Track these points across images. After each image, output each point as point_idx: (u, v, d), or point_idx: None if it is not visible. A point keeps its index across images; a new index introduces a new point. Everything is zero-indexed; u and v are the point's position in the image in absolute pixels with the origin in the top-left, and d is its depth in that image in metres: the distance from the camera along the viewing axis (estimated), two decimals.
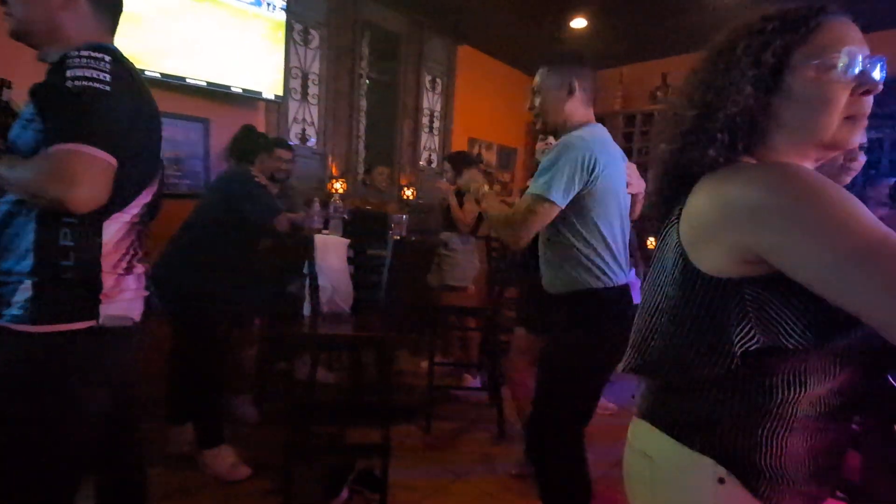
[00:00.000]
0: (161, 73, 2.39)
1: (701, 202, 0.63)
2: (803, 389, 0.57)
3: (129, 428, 1.21)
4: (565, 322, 1.42)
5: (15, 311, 0.89)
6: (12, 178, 0.89)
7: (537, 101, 1.47)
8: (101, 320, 0.94)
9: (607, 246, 1.37)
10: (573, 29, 4.06)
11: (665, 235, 0.69)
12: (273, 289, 2.36)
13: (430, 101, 4.25)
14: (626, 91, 4.88)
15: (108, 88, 0.88)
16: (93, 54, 0.89)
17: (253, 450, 2.03)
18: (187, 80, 2.54)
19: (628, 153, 5.33)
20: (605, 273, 1.37)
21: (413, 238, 3.07)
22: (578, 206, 1.32)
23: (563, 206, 1.29)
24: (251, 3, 2.80)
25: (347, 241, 2.09)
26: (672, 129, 0.69)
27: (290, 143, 2.86)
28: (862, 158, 1.03)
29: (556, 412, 1.42)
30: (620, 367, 0.76)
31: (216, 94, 2.74)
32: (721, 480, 0.60)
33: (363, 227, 2.60)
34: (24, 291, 0.89)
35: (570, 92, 1.42)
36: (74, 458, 0.98)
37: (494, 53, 4.75)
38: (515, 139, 5.36)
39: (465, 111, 4.57)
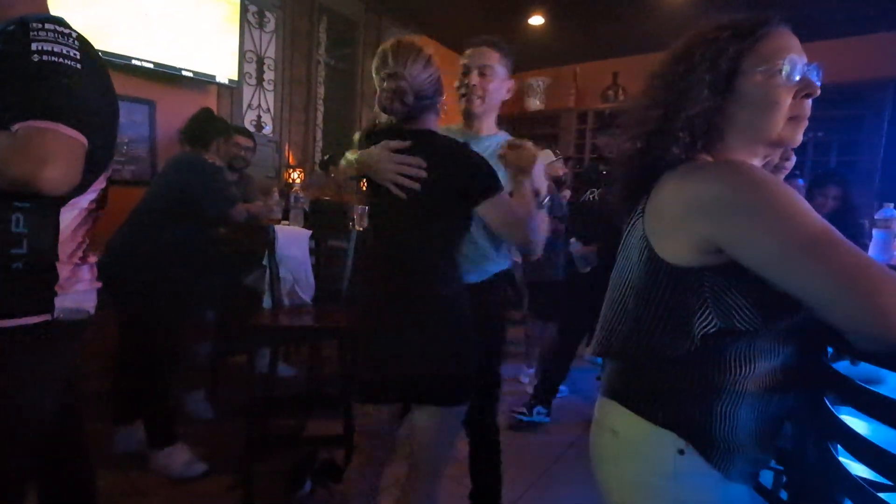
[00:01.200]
0: (104, 52, 2.23)
1: (664, 197, 0.68)
2: (753, 366, 0.64)
3: (74, 426, 1.15)
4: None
5: None
6: None
7: (483, 82, 1.36)
8: (55, 313, 0.89)
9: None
10: (531, 25, 4.14)
11: (631, 228, 0.75)
12: (228, 280, 2.28)
13: None
14: (579, 89, 5.04)
15: (78, 66, 0.84)
16: (58, 28, 0.84)
17: (209, 447, 1.97)
18: (133, 61, 2.39)
19: (580, 149, 5.46)
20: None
21: None
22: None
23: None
24: None
25: (310, 231, 2.05)
26: (637, 128, 0.74)
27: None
28: (793, 158, 1.14)
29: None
30: (589, 350, 0.81)
31: (164, 76, 2.59)
32: (681, 452, 0.66)
33: (323, 218, 2.56)
34: None
35: (508, 90, 1.42)
36: (21, 460, 0.93)
37: (453, 45, 4.76)
38: None
39: None
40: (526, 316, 3.10)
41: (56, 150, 0.79)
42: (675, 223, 0.66)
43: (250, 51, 3.11)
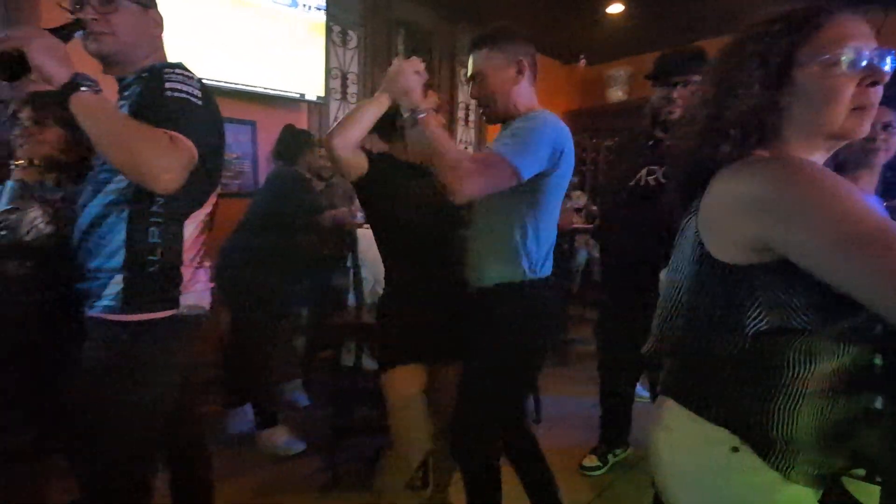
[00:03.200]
0: (214, 80, 2.56)
1: (715, 195, 0.68)
2: (812, 366, 0.62)
3: (191, 407, 1.36)
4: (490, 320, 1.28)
5: (107, 302, 1.02)
6: (115, 121, 0.89)
7: (478, 89, 1.31)
8: (180, 309, 1.07)
9: (542, 237, 1.26)
10: (610, 14, 3.99)
11: (685, 227, 0.75)
12: (318, 281, 2.49)
13: (465, 95, 4.29)
14: None
15: (199, 102, 1.00)
16: (184, 73, 1.01)
17: (303, 432, 2.18)
18: (234, 85, 2.71)
19: None
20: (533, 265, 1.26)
21: None
22: (530, 189, 1.18)
23: (523, 182, 1.14)
24: (289, 5, 2.93)
25: None
26: (688, 128, 0.74)
27: None
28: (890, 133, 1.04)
29: (483, 413, 1.31)
30: (643, 349, 0.82)
31: (262, 98, 2.89)
32: (735, 449, 0.65)
33: None
34: (115, 285, 1.02)
35: (519, 72, 1.27)
36: (152, 434, 1.11)
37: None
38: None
39: None
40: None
41: (182, 155, 0.91)
42: (726, 221, 0.65)
43: (335, 68, 3.36)
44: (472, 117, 4.36)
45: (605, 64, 5.03)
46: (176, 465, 1.34)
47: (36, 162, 1.24)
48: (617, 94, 5.03)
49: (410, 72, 1.23)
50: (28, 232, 1.18)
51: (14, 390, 1.27)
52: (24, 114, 1.25)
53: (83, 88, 0.86)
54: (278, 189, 2.15)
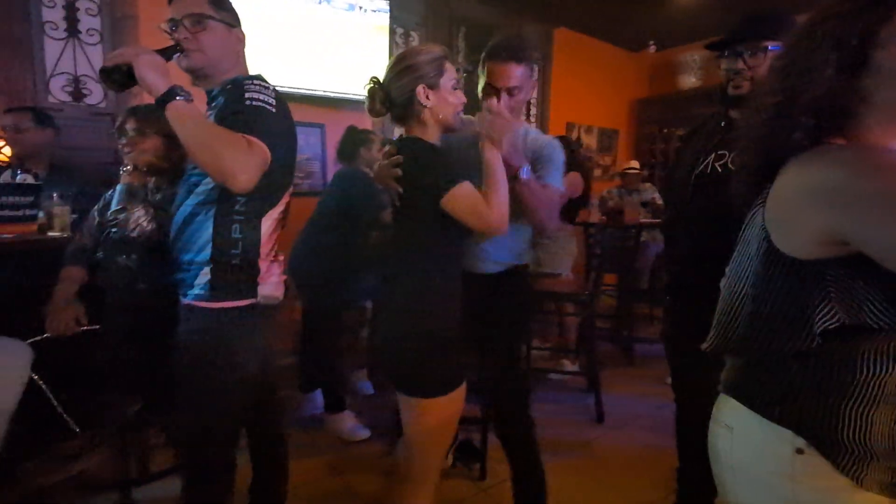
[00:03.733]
0: (287, 86, 2.75)
1: (783, 186, 0.65)
2: (887, 368, 0.58)
3: (271, 389, 1.48)
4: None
5: (198, 290, 1.15)
6: (201, 125, 0.99)
7: (512, 101, 1.37)
8: (258, 298, 1.18)
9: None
10: (678, 1, 3.78)
11: (751, 219, 0.72)
12: (382, 275, 2.60)
13: None
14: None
15: (273, 110, 1.10)
16: (262, 83, 1.12)
17: (368, 418, 2.30)
18: (305, 91, 2.88)
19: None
20: None
21: None
22: None
23: None
24: (348, 10, 3.05)
25: None
26: (756, 117, 0.71)
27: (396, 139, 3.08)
28: None
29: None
30: (704, 345, 0.80)
31: (330, 102, 3.05)
32: (800, 451, 0.63)
33: None
34: (204, 276, 1.14)
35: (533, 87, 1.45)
36: (237, 411, 1.23)
37: (593, 32, 4.59)
38: (616, 120, 5.13)
39: (562, 95, 4.49)
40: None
41: (258, 157, 1.02)
42: (795, 213, 0.62)
43: None
44: (532, 111, 4.30)
45: (676, 48, 4.76)
46: (256, 439, 1.48)
47: (140, 167, 1.42)
48: (689, 80, 4.75)
49: (496, 119, 1.22)
50: (134, 229, 1.35)
51: (122, 368, 1.47)
52: (129, 125, 1.42)
53: (178, 98, 0.98)
54: (344, 188, 2.28)
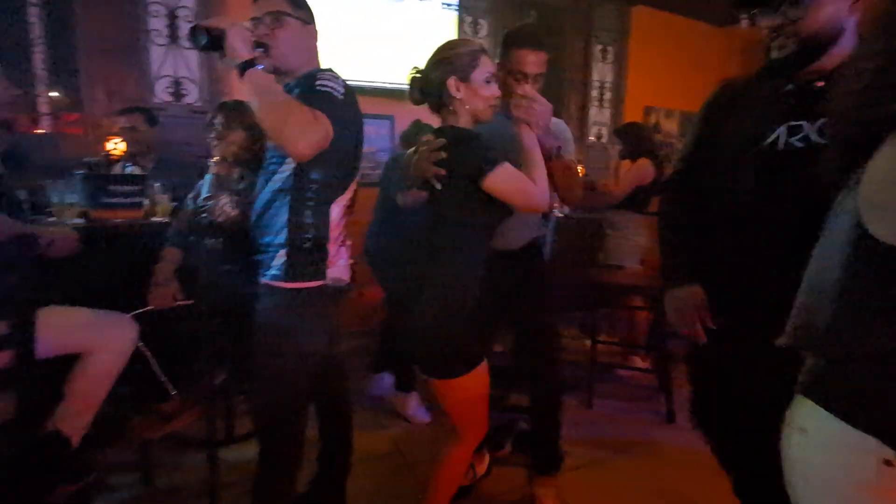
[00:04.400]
0: (358, 80, 2.86)
1: (881, 165, 0.58)
2: None
3: (338, 365, 1.57)
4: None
5: (274, 271, 1.24)
6: (274, 92, 1.10)
7: (536, 89, 1.41)
8: (327, 280, 1.26)
9: None
10: None
11: (841, 202, 0.65)
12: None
13: (601, 72, 4.07)
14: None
15: (340, 97, 1.18)
16: (333, 74, 1.21)
17: (433, 401, 2.36)
18: (374, 84, 2.98)
19: None
20: None
21: (576, 216, 3.06)
22: None
23: None
24: (422, 1, 3.09)
25: None
26: (850, 83, 0.63)
27: None
28: None
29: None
30: (780, 340, 0.73)
31: (399, 94, 3.12)
32: (888, 462, 0.57)
33: None
34: (280, 258, 1.24)
35: None
36: (306, 383, 1.32)
37: (675, 8, 4.28)
38: (701, 102, 4.76)
39: (640, 78, 4.25)
40: None
41: (322, 127, 1.10)
42: (891, 193, 0.56)
43: None
44: (606, 96, 4.12)
45: None
46: (323, 412, 1.58)
47: (226, 158, 1.55)
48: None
49: (534, 104, 1.28)
50: (220, 215, 1.49)
51: (211, 340, 1.62)
52: (218, 120, 1.56)
53: (257, 66, 1.10)
54: (390, 172, 2.35)
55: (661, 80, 4.44)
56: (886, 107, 0.58)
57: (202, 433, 1.63)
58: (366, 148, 3.27)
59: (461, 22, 3.31)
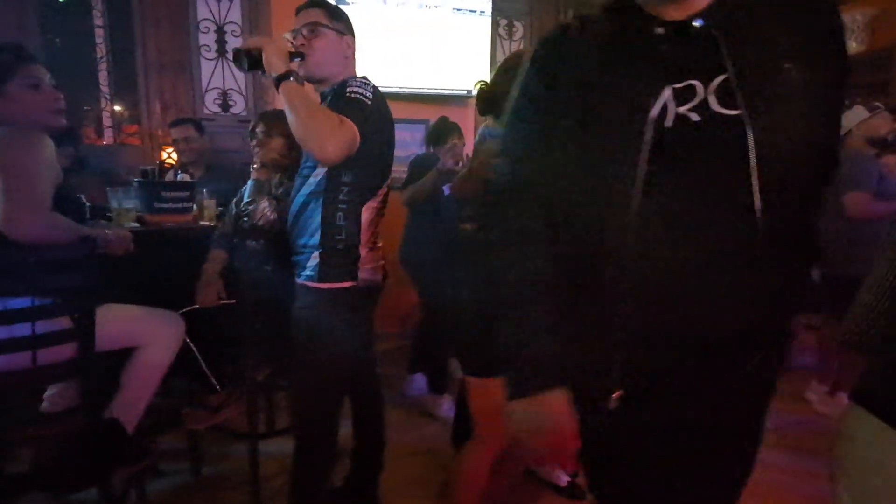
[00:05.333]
0: (391, 87, 2.93)
1: None
2: None
3: (371, 363, 1.61)
4: None
5: (309, 272, 1.30)
6: (304, 101, 1.16)
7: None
8: (358, 281, 1.30)
9: None
10: None
11: None
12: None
13: None
14: None
15: (369, 102, 1.23)
16: (364, 81, 1.27)
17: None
18: (409, 90, 3.04)
19: None
20: None
21: None
22: None
23: None
24: (457, 10, 3.13)
25: None
26: None
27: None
28: None
29: None
30: (837, 339, 0.70)
31: (434, 98, 3.17)
32: None
33: None
34: (314, 259, 1.29)
35: None
36: (339, 380, 1.37)
37: None
38: None
39: None
40: (826, 320, 2.45)
41: (347, 133, 1.17)
42: None
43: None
44: None
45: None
46: (357, 409, 1.62)
47: (267, 164, 1.63)
48: (850, 45, 4.02)
49: None
50: (260, 218, 1.57)
51: (253, 337, 1.71)
52: (259, 128, 1.65)
53: (291, 79, 1.18)
54: (421, 166, 2.37)
55: None
56: None
57: (245, 426, 1.72)
58: (402, 152, 3.31)
59: (495, 24, 3.31)
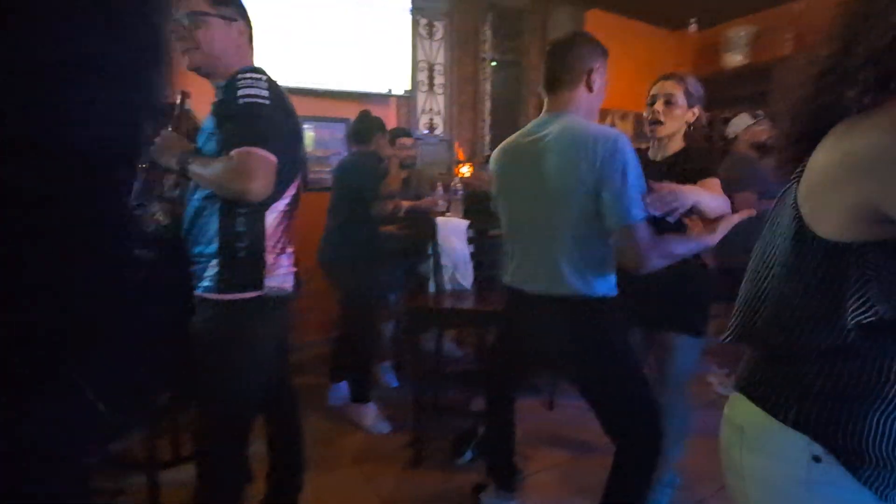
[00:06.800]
0: (304, 86, 2.79)
1: (821, 154, 0.57)
2: None
3: (285, 377, 1.50)
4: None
5: (207, 283, 1.18)
6: (206, 174, 1.13)
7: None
8: (265, 291, 1.19)
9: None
10: None
11: (783, 196, 0.65)
12: (403, 268, 2.60)
13: None
14: (799, 31, 4.09)
15: (268, 102, 1.11)
16: (254, 75, 1.13)
17: (393, 410, 2.31)
18: (326, 87, 2.91)
19: None
20: None
21: None
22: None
23: None
24: (377, 7, 3.05)
25: (467, 222, 2.21)
26: (804, 72, 0.61)
27: (420, 133, 3.06)
28: None
29: None
30: (723, 336, 0.73)
31: (353, 96, 3.07)
32: (816, 458, 0.56)
33: (480, 209, 2.70)
34: (213, 268, 1.17)
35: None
36: (248, 399, 1.26)
37: (628, 12, 4.38)
38: None
39: None
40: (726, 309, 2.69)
41: (255, 167, 1.07)
42: (830, 186, 0.54)
43: (422, 60, 3.44)
44: None
45: (722, 25, 4.47)
46: (272, 428, 1.51)
47: (156, 165, 1.46)
48: (735, 58, 4.45)
49: None
50: (150, 224, 1.40)
51: (152, 357, 1.53)
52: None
53: (188, 164, 1.15)
54: (351, 173, 2.28)
55: (614, 82, 4.51)
56: (837, 96, 0.56)
57: (143, 455, 1.54)
58: (320, 151, 3.18)
59: (416, 23, 3.28)
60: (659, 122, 1.56)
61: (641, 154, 1.64)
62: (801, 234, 0.58)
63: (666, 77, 1.63)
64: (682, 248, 1.24)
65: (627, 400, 1.33)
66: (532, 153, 1.29)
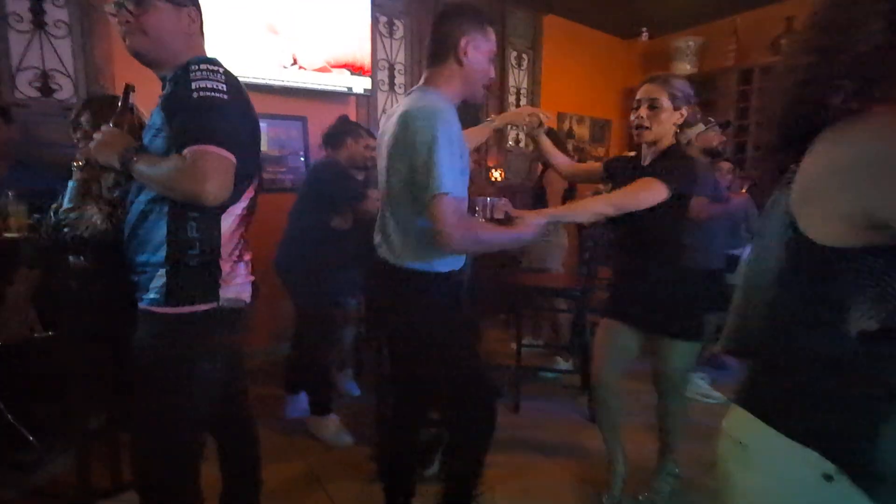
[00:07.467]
0: (261, 80, 2.64)
1: (812, 162, 0.56)
2: None
3: (241, 392, 1.39)
4: None
5: (153, 295, 1.06)
6: (153, 174, 1.01)
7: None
8: (220, 302, 1.09)
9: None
10: None
11: (773, 203, 0.63)
12: (362, 271, 2.51)
13: (517, 79, 4.15)
14: (741, 43, 4.33)
15: (225, 97, 1.01)
16: (210, 67, 1.02)
17: (354, 420, 2.22)
18: (286, 83, 2.77)
19: (744, 113, 4.67)
20: None
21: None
22: None
23: None
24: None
25: None
26: (785, 80, 0.60)
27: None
28: None
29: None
30: (717, 347, 0.72)
31: (311, 94, 2.95)
32: (828, 477, 0.54)
33: None
34: (160, 279, 1.06)
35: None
36: (199, 420, 1.15)
37: (583, 19, 4.49)
38: (609, 110, 5.03)
39: (553, 85, 4.39)
40: None
41: (212, 168, 0.96)
42: (825, 192, 0.53)
43: (382, 59, 3.36)
44: (523, 102, 4.20)
45: (671, 35, 4.66)
46: (224, 447, 1.39)
47: (93, 162, 1.32)
48: (684, 67, 4.66)
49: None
50: (86, 228, 1.26)
51: (86, 375, 1.38)
52: (84, 118, 1.33)
53: (133, 161, 1.04)
54: (319, 178, 2.20)
55: (571, 87, 4.64)
56: (822, 104, 0.55)
57: (77, 484, 1.38)
58: (277, 150, 3.04)
59: (375, 21, 3.20)
60: (644, 128, 1.54)
61: (632, 161, 1.66)
62: (797, 241, 0.57)
63: (650, 80, 1.58)
64: (493, 237, 1.30)
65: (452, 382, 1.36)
66: (385, 131, 1.33)
